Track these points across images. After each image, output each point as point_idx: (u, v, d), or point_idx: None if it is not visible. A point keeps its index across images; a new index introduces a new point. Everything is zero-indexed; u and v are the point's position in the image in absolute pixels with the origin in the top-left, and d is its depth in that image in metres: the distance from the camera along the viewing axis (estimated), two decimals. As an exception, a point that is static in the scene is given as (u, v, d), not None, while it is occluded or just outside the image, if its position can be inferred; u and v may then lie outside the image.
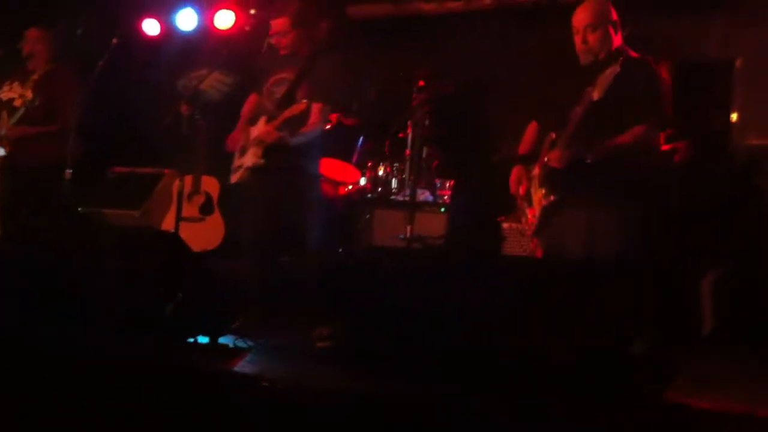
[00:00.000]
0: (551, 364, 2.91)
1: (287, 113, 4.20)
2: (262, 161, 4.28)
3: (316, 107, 4.28)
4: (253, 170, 4.33)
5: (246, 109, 4.57)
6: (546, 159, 3.67)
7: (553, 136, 3.64)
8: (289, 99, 4.27)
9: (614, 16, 3.67)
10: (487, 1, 5.89)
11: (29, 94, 4.98)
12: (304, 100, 4.13)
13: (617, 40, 3.67)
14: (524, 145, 3.96)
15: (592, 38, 3.61)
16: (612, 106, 3.51)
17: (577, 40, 3.66)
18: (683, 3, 5.19)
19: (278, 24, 4.32)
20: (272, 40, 4.39)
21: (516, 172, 3.86)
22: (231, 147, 4.46)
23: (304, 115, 4.28)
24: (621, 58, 3.52)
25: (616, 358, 3.00)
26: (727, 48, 5.21)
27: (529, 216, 3.83)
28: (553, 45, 4.43)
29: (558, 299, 3.13)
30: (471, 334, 3.15)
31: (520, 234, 4.60)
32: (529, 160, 3.86)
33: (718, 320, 4.32)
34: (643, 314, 3.38)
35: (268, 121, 4.29)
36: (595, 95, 3.52)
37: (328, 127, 4.71)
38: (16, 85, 5.08)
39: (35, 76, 5.06)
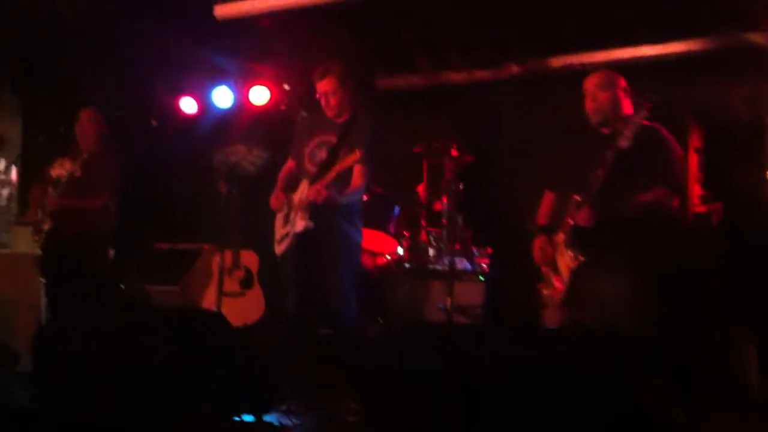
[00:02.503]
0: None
1: (337, 169, 4.20)
2: (311, 224, 4.28)
3: (357, 168, 4.31)
4: (302, 236, 4.33)
5: (283, 175, 4.61)
6: (572, 220, 3.69)
7: (578, 198, 3.68)
8: (333, 160, 4.30)
9: (624, 83, 3.80)
10: (514, 69, 5.99)
11: (78, 172, 5.13)
12: (357, 151, 4.11)
13: (628, 106, 3.76)
14: (542, 216, 4.03)
15: (601, 97, 3.75)
16: (628, 171, 3.56)
17: (588, 100, 3.80)
18: (708, 67, 5.25)
19: (324, 84, 4.38)
20: (321, 102, 4.44)
21: (539, 242, 3.91)
22: (274, 206, 4.50)
23: (348, 176, 4.33)
24: (633, 126, 3.58)
25: (660, 426, 2.97)
26: (756, 108, 5.23)
27: (556, 284, 3.85)
28: (576, 112, 4.52)
29: (600, 368, 3.12)
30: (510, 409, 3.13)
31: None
32: (549, 229, 3.91)
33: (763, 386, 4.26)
34: (686, 380, 3.35)
35: (313, 183, 4.30)
36: (613, 159, 3.58)
37: (365, 198, 4.78)
38: (66, 161, 5.24)
39: (85, 155, 5.21)
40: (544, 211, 4.04)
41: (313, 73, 4.44)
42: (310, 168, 4.43)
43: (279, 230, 4.52)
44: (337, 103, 4.40)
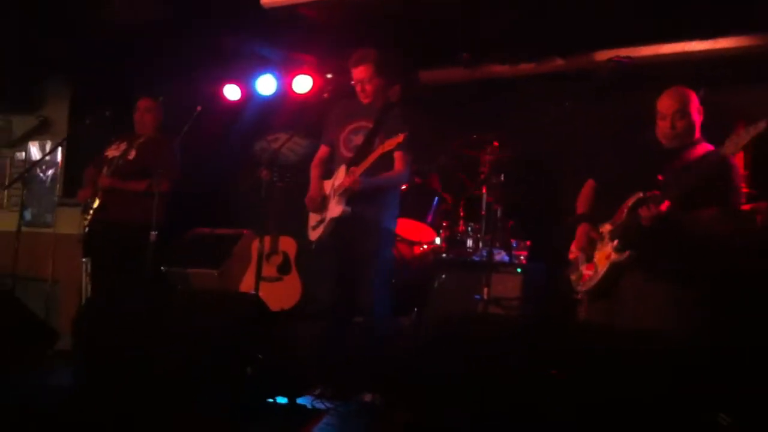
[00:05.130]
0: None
1: (376, 155, 4.22)
2: (348, 210, 4.29)
3: (398, 155, 4.33)
4: (338, 221, 4.34)
5: (315, 163, 4.63)
6: (643, 212, 3.64)
7: (641, 195, 3.64)
8: (369, 146, 4.32)
9: (697, 102, 3.74)
10: (559, 62, 5.94)
11: (132, 155, 5.24)
12: (401, 135, 4.11)
13: (698, 129, 3.73)
14: (583, 204, 4.02)
15: (680, 125, 3.69)
16: (698, 192, 3.52)
17: (664, 125, 3.73)
18: (759, 64, 5.15)
19: (360, 71, 4.42)
20: (356, 88, 4.47)
21: (583, 228, 3.89)
22: (310, 206, 4.52)
23: (388, 163, 4.34)
24: (700, 151, 3.62)
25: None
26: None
27: (585, 272, 3.84)
28: (627, 111, 4.47)
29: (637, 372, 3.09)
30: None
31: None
32: (592, 218, 3.89)
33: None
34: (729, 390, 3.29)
35: (349, 168, 4.31)
36: (676, 170, 3.56)
37: (404, 187, 4.77)
38: (123, 145, 5.35)
39: (141, 140, 5.35)
40: (583, 200, 4.03)
41: (349, 60, 4.46)
42: (346, 153, 4.44)
43: (313, 217, 4.54)
44: (372, 90, 4.41)
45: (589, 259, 3.84)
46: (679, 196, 3.50)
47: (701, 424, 2.94)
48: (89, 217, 5.27)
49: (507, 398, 3.15)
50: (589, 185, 4.06)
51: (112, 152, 5.38)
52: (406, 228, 5.40)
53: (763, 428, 3.14)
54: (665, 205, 3.49)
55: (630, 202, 3.69)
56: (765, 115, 4.87)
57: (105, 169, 5.29)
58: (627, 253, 3.65)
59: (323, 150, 4.64)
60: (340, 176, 4.38)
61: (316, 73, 6.32)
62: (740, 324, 4.18)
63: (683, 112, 3.69)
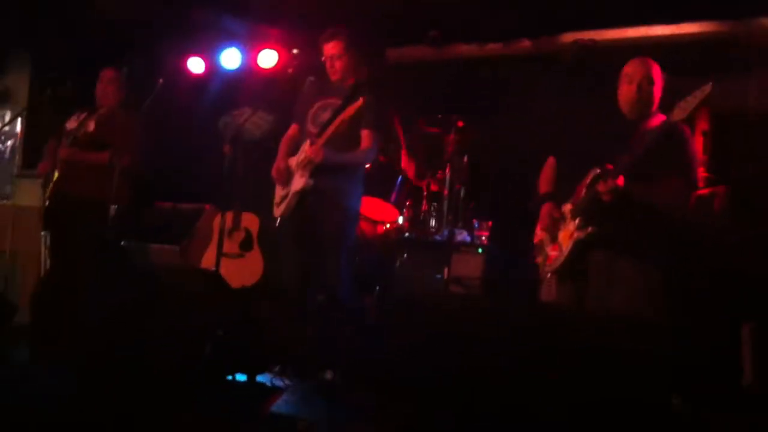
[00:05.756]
0: (588, 417, 2.90)
1: (336, 123, 4.21)
2: (311, 182, 4.27)
3: (365, 133, 4.32)
4: (301, 194, 4.32)
5: (285, 140, 4.61)
6: (591, 190, 3.67)
7: (597, 170, 3.66)
8: (334, 121, 4.29)
9: (661, 78, 3.76)
10: (526, 44, 5.95)
11: (92, 127, 5.15)
12: (360, 99, 4.10)
13: (656, 102, 3.75)
14: (545, 183, 4.02)
15: (647, 90, 3.70)
16: (651, 162, 3.53)
17: (630, 89, 3.72)
18: (723, 50, 5.20)
19: (331, 47, 4.40)
20: (326, 64, 4.45)
21: (546, 208, 3.90)
22: (277, 178, 4.49)
23: (354, 138, 4.32)
24: (655, 122, 3.63)
25: (656, 413, 2.98)
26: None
27: (551, 252, 3.85)
28: (590, 92, 4.49)
29: (596, 350, 3.12)
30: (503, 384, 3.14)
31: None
32: (555, 197, 3.91)
33: (759, 370, 4.26)
34: (683, 369, 3.35)
35: (313, 143, 4.29)
36: (639, 146, 3.57)
37: (367, 166, 4.76)
38: (83, 117, 5.26)
39: (101, 112, 5.24)
40: (546, 177, 4.03)
41: (321, 36, 4.43)
42: (312, 129, 4.42)
43: (278, 192, 4.52)
44: (342, 67, 4.39)
45: (554, 239, 3.85)
46: (632, 167, 3.50)
47: (654, 407, 2.99)
48: (49, 190, 5.18)
49: (470, 378, 3.18)
50: (550, 163, 4.06)
51: (71, 124, 5.28)
52: (370, 206, 5.40)
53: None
54: (621, 179, 3.50)
55: (588, 179, 3.70)
56: (727, 103, 4.98)
57: (64, 141, 5.21)
58: (589, 229, 3.66)
59: (293, 128, 4.62)
60: (304, 150, 4.37)
61: (281, 47, 6.26)
62: (698, 302, 4.26)
63: (650, 79, 3.70)
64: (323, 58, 4.45)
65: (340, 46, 4.38)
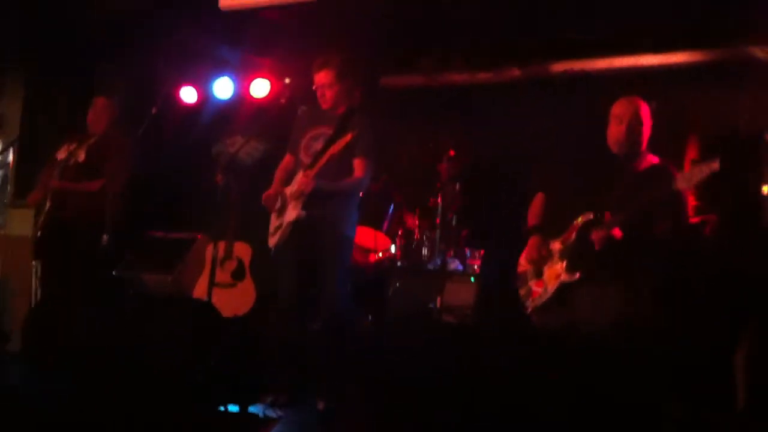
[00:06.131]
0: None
1: (328, 155, 4.19)
2: (303, 213, 4.25)
3: (357, 162, 4.32)
4: (295, 224, 4.30)
5: (280, 169, 4.60)
6: (576, 236, 3.69)
7: (591, 216, 3.66)
8: (326, 151, 4.27)
9: (649, 116, 3.78)
10: (516, 72, 6.00)
11: (82, 156, 5.15)
12: (349, 134, 4.11)
13: (646, 141, 3.77)
14: (533, 217, 4.02)
15: (637, 130, 3.72)
16: (640, 216, 3.55)
17: (619, 130, 3.74)
18: (709, 78, 5.26)
19: (322, 77, 4.39)
20: (317, 93, 4.46)
21: (533, 241, 3.90)
22: (267, 204, 4.49)
23: (346, 167, 4.32)
24: (646, 164, 3.69)
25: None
26: (756, 122, 5.24)
27: (533, 288, 3.84)
28: (580, 118, 4.52)
29: (591, 369, 3.14)
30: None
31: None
32: (543, 231, 3.90)
33: (752, 394, 4.26)
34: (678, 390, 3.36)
35: (305, 174, 4.27)
36: (627, 186, 3.60)
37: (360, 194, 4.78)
38: (74, 146, 5.27)
39: (92, 140, 5.26)
40: (534, 212, 4.03)
41: (312, 65, 4.45)
42: (305, 160, 4.42)
43: (273, 222, 4.53)
44: (332, 96, 4.40)
45: (539, 274, 3.84)
46: (630, 220, 3.52)
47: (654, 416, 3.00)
48: (41, 220, 5.18)
49: (465, 402, 3.18)
50: (539, 198, 4.06)
51: (61, 154, 5.29)
52: (362, 235, 5.41)
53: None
54: (616, 231, 3.52)
55: (580, 222, 3.71)
56: (714, 130, 5.02)
57: (55, 172, 5.21)
58: (577, 275, 3.66)
59: (287, 158, 4.63)
60: (297, 181, 4.38)
61: (274, 77, 6.29)
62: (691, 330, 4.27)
63: (639, 119, 3.72)
64: (314, 87, 4.47)
65: (331, 75, 4.39)
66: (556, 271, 3.74)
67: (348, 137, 4.11)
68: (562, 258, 3.74)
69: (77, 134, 5.39)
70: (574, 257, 3.68)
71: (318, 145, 4.39)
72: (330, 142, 4.30)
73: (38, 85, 6.89)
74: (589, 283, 3.65)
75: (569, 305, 3.72)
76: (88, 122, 5.36)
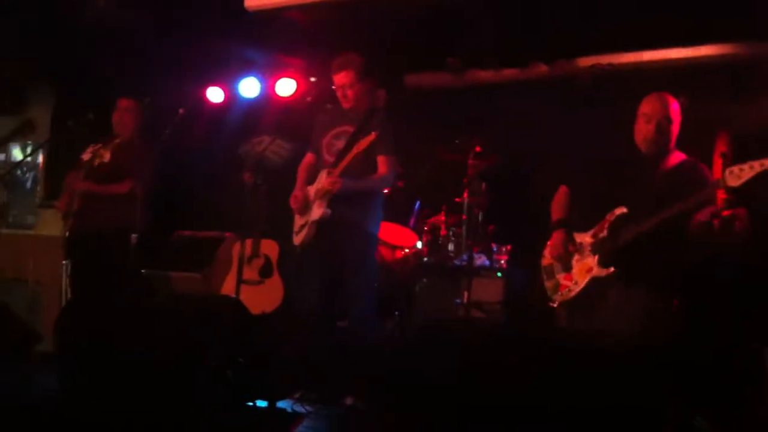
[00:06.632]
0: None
1: (352, 155, 4.22)
2: (328, 212, 4.29)
3: (381, 159, 4.34)
4: (319, 223, 4.34)
5: (302, 168, 4.64)
6: (608, 230, 3.65)
7: (624, 210, 3.63)
8: (349, 150, 4.30)
9: (679, 113, 3.74)
10: (543, 69, 5.97)
11: (107, 158, 5.20)
12: (372, 133, 4.13)
13: (674, 139, 3.74)
14: (558, 210, 3.98)
15: (666, 129, 3.67)
16: (667, 199, 3.52)
17: (648, 128, 3.69)
18: (739, 71, 5.20)
19: (342, 77, 4.42)
20: (337, 93, 4.47)
21: (558, 235, 3.86)
22: (294, 206, 4.52)
23: (370, 165, 4.34)
24: (674, 160, 3.66)
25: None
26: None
27: (562, 281, 3.80)
28: (606, 117, 4.48)
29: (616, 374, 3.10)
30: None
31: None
32: (568, 224, 3.87)
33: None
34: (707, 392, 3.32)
35: (330, 173, 4.32)
36: (659, 182, 3.58)
37: (386, 191, 4.78)
38: (98, 147, 5.32)
39: (116, 142, 5.30)
40: (558, 207, 4.00)
41: (332, 65, 4.46)
42: (328, 158, 4.45)
43: (298, 221, 4.55)
44: (353, 96, 4.42)
45: (567, 268, 3.80)
46: (666, 216, 3.47)
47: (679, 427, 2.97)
48: (69, 223, 5.23)
49: (490, 402, 3.16)
50: (562, 191, 4.03)
51: (86, 155, 5.34)
52: (388, 232, 5.41)
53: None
54: (650, 226, 3.48)
55: (613, 216, 3.67)
56: (747, 125, 4.96)
57: (80, 174, 5.25)
58: (611, 269, 3.61)
59: (309, 156, 4.65)
60: (321, 180, 4.39)
61: (299, 76, 6.32)
62: (721, 329, 4.23)
63: (668, 118, 3.67)
64: (334, 87, 4.48)
65: (351, 76, 4.41)
66: (588, 265, 3.70)
67: (372, 136, 4.13)
68: (594, 252, 3.70)
69: (105, 136, 5.44)
70: (607, 252, 3.65)
71: (340, 144, 4.41)
72: (353, 140, 4.32)
73: (68, 89, 6.99)
74: (621, 281, 3.61)
75: (599, 302, 3.69)
76: (113, 123, 5.41)
